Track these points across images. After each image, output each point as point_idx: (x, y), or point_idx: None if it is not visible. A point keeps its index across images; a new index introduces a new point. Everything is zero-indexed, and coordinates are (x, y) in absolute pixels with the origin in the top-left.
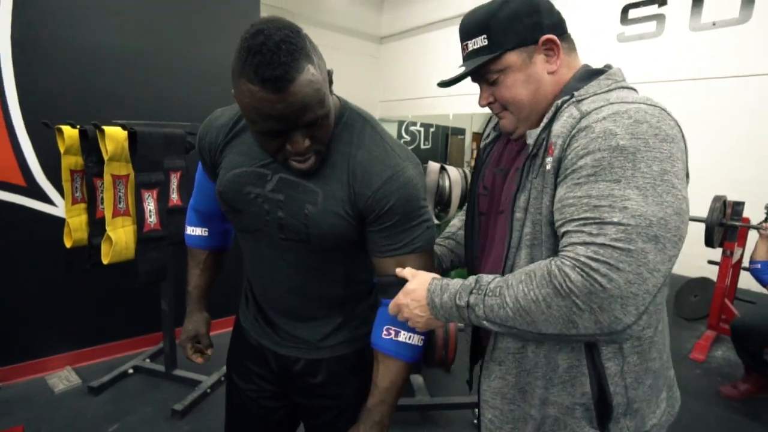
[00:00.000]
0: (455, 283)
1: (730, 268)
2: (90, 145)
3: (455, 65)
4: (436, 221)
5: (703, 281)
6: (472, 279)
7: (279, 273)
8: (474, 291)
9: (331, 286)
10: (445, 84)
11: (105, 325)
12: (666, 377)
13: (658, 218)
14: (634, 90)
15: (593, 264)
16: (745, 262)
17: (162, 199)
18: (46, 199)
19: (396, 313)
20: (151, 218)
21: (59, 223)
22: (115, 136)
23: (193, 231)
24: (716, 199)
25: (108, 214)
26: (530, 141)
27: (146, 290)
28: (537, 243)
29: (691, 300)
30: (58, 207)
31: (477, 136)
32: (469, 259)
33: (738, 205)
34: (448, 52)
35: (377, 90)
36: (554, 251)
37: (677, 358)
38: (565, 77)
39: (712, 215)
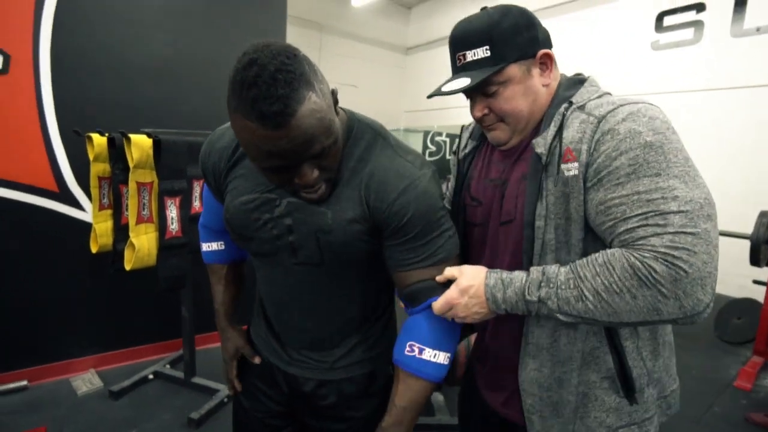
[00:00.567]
0: (517, 276)
1: None
2: (117, 152)
3: None
4: None
5: (748, 302)
6: (536, 272)
7: (293, 296)
8: (543, 284)
9: (346, 308)
10: (441, 94)
11: (129, 330)
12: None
13: (704, 199)
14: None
15: (674, 252)
16: None
17: (184, 206)
18: (76, 205)
19: (446, 311)
20: (173, 225)
21: (88, 228)
22: (140, 144)
23: (209, 246)
24: (763, 214)
25: (132, 221)
26: (541, 150)
27: (166, 297)
28: (560, 246)
29: (734, 322)
30: (88, 212)
31: None
32: None
33: None
34: None
35: (403, 100)
36: (584, 252)
37: (720, 387)
38: (553, 88)
39: (759, 232)
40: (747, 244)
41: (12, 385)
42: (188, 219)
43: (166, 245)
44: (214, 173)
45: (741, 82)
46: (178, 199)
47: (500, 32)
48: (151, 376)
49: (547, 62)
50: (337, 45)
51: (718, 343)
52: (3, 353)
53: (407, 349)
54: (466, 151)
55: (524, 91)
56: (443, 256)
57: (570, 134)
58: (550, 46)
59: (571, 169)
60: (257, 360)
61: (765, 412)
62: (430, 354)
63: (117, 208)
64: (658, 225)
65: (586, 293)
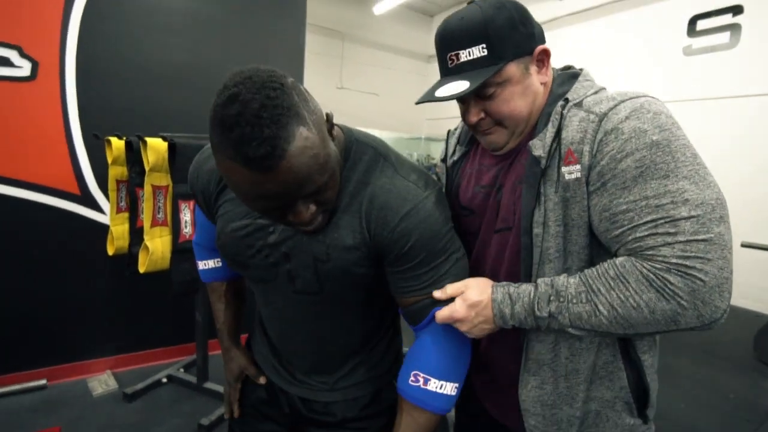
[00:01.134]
0: (524, 290)
1: None
2: (134, 156)
3: None
4: None
5: None
6: (544, 285)
7: (293, 323)
8: (553, 298)
9: (348, 332)
10: (435, 100)
11: (145, 332)
12: None
13: (715, 200)
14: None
15: (687, 262)
16: None
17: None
18: (97, 208)
19: (449, 322)
20: (186, 229)
21: (107, 231)
22: (156, 147)
23: (205, 264)
24: None
25: (147, 224)
26: (540, 153)
27: (181, 301)
28: (559, 256)
29: None
30: (107, 215)
31: None
32: None
33: None
34: None
35: (424, 108)
36: (588, 260)
37: (762, 414)
38: (548, 85)
39: None
40: None
41: (32, 384)
42: None
43: (179, 249)
44: (203, 196)
45: None
46: (192, 203)
47: (497, 28)
48: (164, 380)
49: (544, 59)
50: (359, 53)
51: (756, 365)
52: (25, 352)
53: (411, 378)
54: (455, 158)
55: (523, 91)
56: (450, 282)
57: (570, 134)
58: (544, 41)
59: (573, 172)
60: (262, 380)
61: None
62: (436, 385)
63: (133, 210)
64: (668, 233)
65: (600, 308)
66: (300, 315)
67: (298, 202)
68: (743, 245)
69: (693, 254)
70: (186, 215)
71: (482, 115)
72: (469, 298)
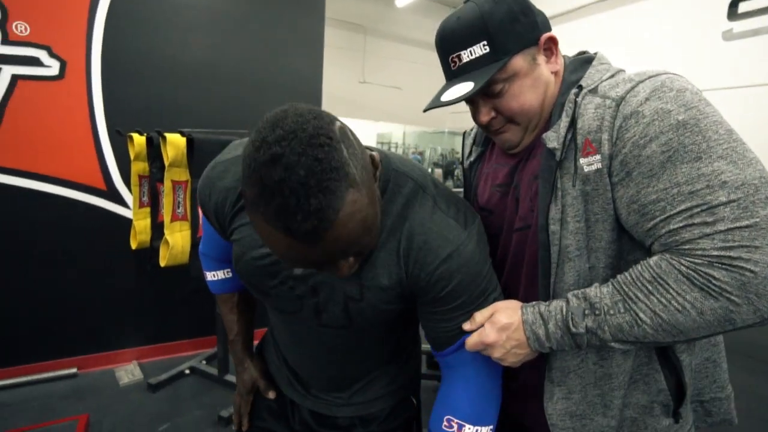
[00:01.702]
0: (555, 307)
1: None
2: (154, 151)
3: None
4: None
5: None
6: (576, 299)
7: (312, 349)
8: (588, 312)
9: (369, 355)
10: (441, 105)
11: (170, 324)
12: None
13: (758, 178)
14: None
15: (731, 253)
16: None
17: None
18: (122, 202)
19: (479, 349)
20: None
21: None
22: (176, 142)
23: (214, 276)
24: None
25: (167, 218)
26: (554, 144)
27: (200, 294)
28: (580, 254)
29: None
30: (131, 210)
31: None
32: None
33: None
34: None
35: None
36: (616, 255)
37: None
38: (560, 74)
39: None
40: None
41: (63, 372)
42: None
43: (196, 242)
44: (216, 214)
45: None
46: None
47: (496, 22)
48: (187, 371)
49: (552, 47)
50: (381, 47)
51: None
52: (58, 340)
53: (445, 424)
54: (472, 159)
55: (532, 83)
56: None
57: (586, 123)
58: (549, 28)
59: (593, 163)
60: (271, 395)
61: None
62: (470, 431)
63: (154, 205)
64: (705, 223)
65: (642, 316)
66: (321, 344)
67: (340, 261)
68: None
69: (737, 243)
70: None
71: (493, 114)
72: (499, 321)
